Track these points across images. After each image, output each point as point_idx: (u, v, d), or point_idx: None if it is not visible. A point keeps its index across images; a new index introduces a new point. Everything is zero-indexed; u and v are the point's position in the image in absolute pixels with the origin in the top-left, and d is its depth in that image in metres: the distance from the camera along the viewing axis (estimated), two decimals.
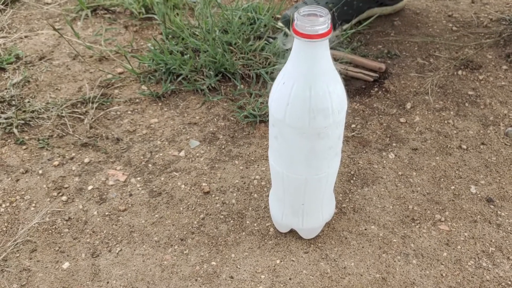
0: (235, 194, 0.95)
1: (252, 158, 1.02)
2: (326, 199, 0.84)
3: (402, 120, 1.10)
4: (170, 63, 1.19)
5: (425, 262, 0.83)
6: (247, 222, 0.90)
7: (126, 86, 1.21)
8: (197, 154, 1.03)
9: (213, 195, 0.95)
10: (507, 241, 0.86)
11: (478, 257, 0.84)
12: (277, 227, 0.88)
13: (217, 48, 1.19)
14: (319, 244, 0.86)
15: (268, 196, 0.94)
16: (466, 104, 1.13)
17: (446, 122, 1.09)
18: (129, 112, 1.14)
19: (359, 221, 0.90)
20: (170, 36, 1.30)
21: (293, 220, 0.85)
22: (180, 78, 1.20)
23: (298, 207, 0.82)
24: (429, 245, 0.86)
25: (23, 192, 0.96)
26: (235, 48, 1.22)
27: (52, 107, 1.14)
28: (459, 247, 0.85)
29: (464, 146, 1.04)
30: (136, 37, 1.37)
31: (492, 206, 0.92)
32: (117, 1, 1.46)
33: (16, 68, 1.26)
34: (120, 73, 1.25)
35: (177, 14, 1.36)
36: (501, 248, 0.85)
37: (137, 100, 1.17)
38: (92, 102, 1.15)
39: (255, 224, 0.90)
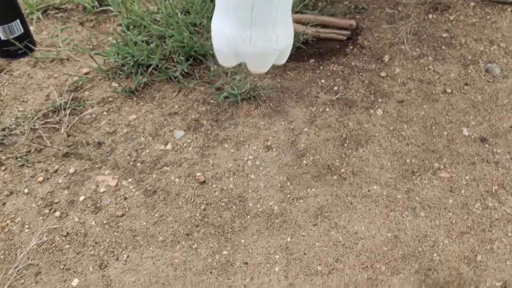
0: (231, 179, 0.93)
1: (241, 139, 1.00)
2: (281, 11, 0.67)
3: (382, 74, 1.09)
4: (137, 55, 1.14)
5: (433, 212, 0.83)
6: (250, 204, 0.89)
7: (96, 86, 1.16)
8: (185, 144, 1.00)
9: (210, 184, 0.93)
10: (508, 177, 0.87)
11: (483, 198, 0.85)
12: (220, 58, 0.71)
13: (183, 32, 1.15)
14: (326, 214, 0.85)
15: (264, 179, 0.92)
16: (443, 47, 1.13)
17: (426, 68, 1.08)
18: (104, 113, 1.09)
19: (361, 184, 0.89)
20: (130, 26, 1.25)
21: (239, 36, 0.68)
22: (150, 69, 1.15)
23: (246, 15, 0.66)
24: (434, 195, 0.86)
25: (13, 215, 0.92)
26: (200, 29, 1.18)
27: (23, 121, 1.08)
28: (463, 191, 0.86)
29: (449, 90, 1.03)
30: (95, 33, 1.31)
31: (487, 145, 0.92)
32: None
33: None
34: (86, 74, 1.20)
35: (133, 1, 1.30)
36: (504, 185, 0.86)
37: (110, 98, 1.13)
38: (64, 109, 1.10)
39: (258, 206, 0.88)
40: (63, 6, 1.40)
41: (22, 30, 1.23)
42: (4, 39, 1.21)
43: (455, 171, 0.89)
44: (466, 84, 1.04)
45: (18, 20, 1.21)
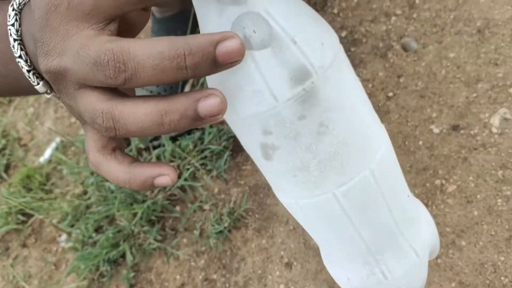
0: None
1: (259, 272, 0.88)
2: (398, 212, 0.47)
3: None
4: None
5: None
6: None
7: None
8: None
9: None
10: None
11: None
12: None
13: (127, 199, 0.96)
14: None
15: None
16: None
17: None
18: None
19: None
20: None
21: (365, 272, 0.49)
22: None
23: (358, 249, 0.48)
24: None
25: None
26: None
27: None
28: None
29: (391, 94, 0.95)
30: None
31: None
32: None
33: None
34: None
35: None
36: None
37: None
38: None
39: None
40: None
41: None
42: None
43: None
44: (399, 76, 0.94)
45: None
